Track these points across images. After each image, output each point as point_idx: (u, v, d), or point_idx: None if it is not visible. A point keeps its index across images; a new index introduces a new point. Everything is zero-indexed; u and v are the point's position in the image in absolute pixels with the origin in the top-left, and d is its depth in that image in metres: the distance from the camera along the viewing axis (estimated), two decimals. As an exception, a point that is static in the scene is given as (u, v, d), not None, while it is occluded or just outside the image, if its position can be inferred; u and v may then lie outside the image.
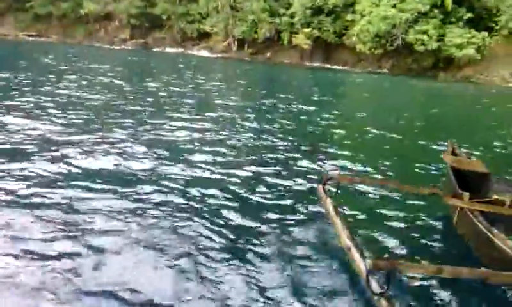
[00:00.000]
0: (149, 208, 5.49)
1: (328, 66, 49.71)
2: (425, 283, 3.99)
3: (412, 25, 44.27)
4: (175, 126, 10.65)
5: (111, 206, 5.44)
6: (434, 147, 10.58)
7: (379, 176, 7.27)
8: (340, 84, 31.07)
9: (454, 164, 5.81)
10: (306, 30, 50.90)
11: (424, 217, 5.62)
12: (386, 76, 42.01)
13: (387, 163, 8.70)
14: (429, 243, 4.92)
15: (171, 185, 6.39)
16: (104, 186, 6.10)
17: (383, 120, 15.31)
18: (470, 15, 42.93)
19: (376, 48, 46.62)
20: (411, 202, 6.04)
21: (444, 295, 3.90)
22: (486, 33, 41.95)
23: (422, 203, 5.98)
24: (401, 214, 5.58)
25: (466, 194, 4.76)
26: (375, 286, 3.25)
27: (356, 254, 3.60)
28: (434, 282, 3.99)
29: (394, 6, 44.46)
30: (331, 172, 5.88)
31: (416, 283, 3.98)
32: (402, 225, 5.28)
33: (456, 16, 43.65)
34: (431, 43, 42.99)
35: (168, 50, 56.76)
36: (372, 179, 6.16)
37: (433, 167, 8.43)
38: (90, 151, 7.83)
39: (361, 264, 3.41)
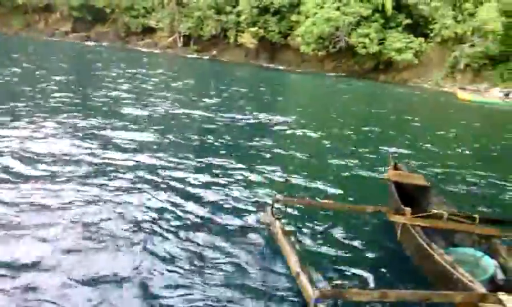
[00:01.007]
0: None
1: (273, 66, 49.51)
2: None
3: (354, 28, 44.81)
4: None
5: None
6: (373, 154, 10.42)
7: (324, 190, 7.13)
8: (283, 84, 30.83)
9: (396, 179, 5.79)
10: (252, 29, 50.49)
11: (370, 235, 5.57)
12: (329, 77, 42.26)
13: (330, 175, 8.24)
14: (375, 261, 4.87)
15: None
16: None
17: (323, 122, 15.18)
18: (408, 21, 43.93)
19: (319, 49, 46.83)
20: (356, 221, 5.91)
21: None
22: (422, 39, 43.06)
23: (368, 221, 5.88)
24: (348, 234, 5.48)
25: (408, 210, 4.79)
26: None
27: (304, 281, 3.52)
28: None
29: (338, 9, 44.80)
30: (278, 194, 5.56)
31: None
32: (349, 245, 5.22)
33: (395, 21, 44.53)
34: (372, 46, 43.66)
35: (111, 44, 54.59)
36: (317, 201, 5.87)
37: (375, 176, 8.27)
38: None
39: (310, 291, 3.33)
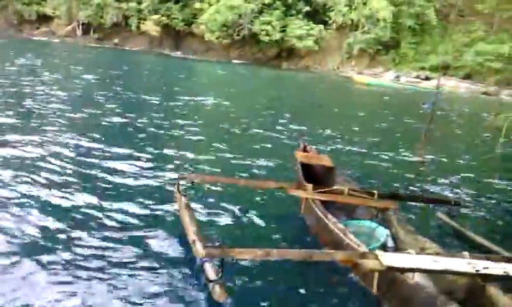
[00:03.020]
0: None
1: (178, 54, 47.69)
2: (261, 266, 4.05)
3: (257, 16, 44.25)
4: None
5: None
6: (277, 133, 10.70)
7: (232, 170, 7.18)
8: (188, 72, 29.43)
9: (303, 160, 5.94)
10: (155, 17, 48.29)
11: (275, 210, 5.70)
12: (234, 65, 41.55)
13: (239, 154, 8.30)
14: (278, 233, 4.96)
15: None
16: None
17: (231, 108, 14.76)
18: (308, 8, 44.10)
19: (223, 37, 45.93)
20: (262, 197, 6.03)
21: (274, 276, 3.98)
22: (322, 26, 43.45)
23: (273, 196, 5.99)
24: (253, 208, 5.55)
25: (310, 186, 5.00)
26: (211, 273, 3.45)
27: (198, 245, 3.53)
28: (267, 265, 4.00)
29: (240, -4, 43.93)
30: (185, 172, 5.83)
31: (252, 268, 4.04)
32: (253, 218, 5.30)
33: (296, 8, 44.58)
34: (275, 34, 43.49)
35: (2, 33, 49.45)
36: (223, 177, 6.09)
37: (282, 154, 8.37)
38: None
39: (199, 251, 3.41)
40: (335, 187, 5.14)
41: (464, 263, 3.27)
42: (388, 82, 34.58)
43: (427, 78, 35.94)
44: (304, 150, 6.62)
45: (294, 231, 5.16)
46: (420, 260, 3.28)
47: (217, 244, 3.58)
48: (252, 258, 3.50)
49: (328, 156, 6.37)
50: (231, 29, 45.45)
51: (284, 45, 44.71)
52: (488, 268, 3.21)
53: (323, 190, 5.01)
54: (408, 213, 5.68)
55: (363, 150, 9.92)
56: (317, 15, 44.28)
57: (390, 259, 3.26)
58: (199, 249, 3.43)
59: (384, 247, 4.27)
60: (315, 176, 5.87)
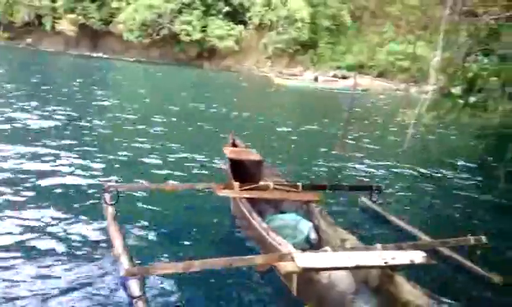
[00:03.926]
0: None
1: (96, 54, 45.34)
2: (185, 277, 3.79)
3: (177, 16, 43.06)
4: None
5: None
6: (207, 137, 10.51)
7: (159, 173, 7.07)
8: (107, 73, 27.75)
9: (232, 155, 5.89)
10: (71, 16, 45.69)
11: (206, 213, 5.54)
12: (155, 65, 39.94)
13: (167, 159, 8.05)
14: (211, 236, 4.92)
15: None
16: None
17: (152, 110, 14.12)
18: (228, 8, 43.49)
19: (143, 37, 44.41)
20: (192, 199, 5.88)
21: (197, 286, 3.91)
22: (242, 26, 43.03)
23: (207, 199, 5.79)
24: (184, 214, 5.52)
25: (237, 184, 4.93)
26: (134, 289, 3.39)
27: (123, 261, 3.65)
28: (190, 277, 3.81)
29: (160, -4, 42.47)
30: (110, 182, 5.49)
31: (176, 279, 3.89)
32: (186, 224, 5.20)
33: (215, 9, 43.92)
34: (195, 34, 42.63)
35: None
36: (149, 184, 5.82)
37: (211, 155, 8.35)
38: None
39: (120, 270, 3.49)
40: (261, 183, 5.10)
41: (376, 256, 3.41)
42: (307, 82, 34.81)
43: (343, 77, 36.61)
44: (233, 145, 6.59)
45: (227, 232, 5.18)
46: (334, 258, 3.36)
47: (136, 256, 3.68)
48: (175, 272, 3.42)
49: (255, 151, 6.35)
50: (150, 28, 44.03)
51: (205, 45, 43.90)
52: (395, 258, 3.37)
53: (249, 187, 4.97)
54: (334, 200, 6.06)
55: (287, 148, 10.06)
56: (237, 15, 43.84)
57: (305, 260, 3.29)
58: (122, 266, 3.51)
59: (307, 240, 4.44)
60: (245, 170, 5.90)
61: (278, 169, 6.46)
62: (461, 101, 7.92)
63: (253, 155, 6.07)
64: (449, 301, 3.16)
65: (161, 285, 3.86)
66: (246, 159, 6.04)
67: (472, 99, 7.70)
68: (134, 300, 3.33)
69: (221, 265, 3.40)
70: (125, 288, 3.45)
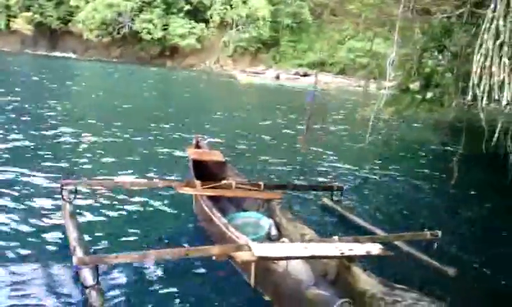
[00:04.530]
0: None
1: (55, 54, 44.00)
2: (142, 268, 3.94)
3: (138, 14, 42.26)
4: None
5: None
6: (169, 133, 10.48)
7: (122, 170, 7.03)
8: (68, 73, 26.87)
9: (195, 156, 5.92)
10: (27, 14, 44.12)
11: (166, 210, 5.55)
12: (116, 64, 39.14)
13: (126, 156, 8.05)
14: (172, 233, 4.91)
15: None
16: None
17: (114, 109, 13.92)
18: (189, 7, 42.97)
19: (103, 36, 43.37)
20: (153, 197, 5.78)
21: (154, 277, 3.90)
22: (203, 24, 42.67)
23: (168, 196, 5.78)
24: (143, 211, 5.44)
25: (198, 182, 4.95)
26: (88, 279, 3.36)
27: (77, 252, 3.64)
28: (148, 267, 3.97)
29: (119, -6, 41.54)
30: (68, 178, 5.42)
31: (132, 270, 3.90)
32: (145, 221, 5.17)
33: (176, 7, 43.31)
34: (157, 32, 41.98)
35: None
36: (108, 181, 5.88)
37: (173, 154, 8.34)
38: None
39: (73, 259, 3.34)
40: (223, 182, 5.13)
41: (332, 247, 3.48)
42: (269, 79, 34.88)
43: (305, 75, 36.83)
44: (197, 146, 6.60)
45: (187, 230, 5.15)
46: (290, 248, 3.41)
47: (92, 251, 3.66)
48: (130, 261, 3.43)
49: (219, 151, 6.40)
50: (111, 27, 42.99)
51: (167, 43, 43.30)
52: (352, 249, 3.46)
53: (211, 185, 4.99)
54: (296, 201, 6.04)
55: (252, 146, 10.08)
56: (198, 14, 43.43)
57: (262, 249, 3.31)
58: (75, 256, 3.40)
59: (268, 236, 4.49)
60: (208, 171, 5.89)
61: (242, 168, 6.48)
62: (418, 96, 8.11)
63: (216, 156, 6.09)
64: (402, 287, 3.14)
65: (118, 276, 3.82)
66: (208, 160, 6.04)
67: (429, 94, 7.90)
68: (88, 290, 3.31)
69: (177, 255, 3.37)
70: (80, 277, 3.43)
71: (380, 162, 9.43)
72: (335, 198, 5.81)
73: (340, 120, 16.45)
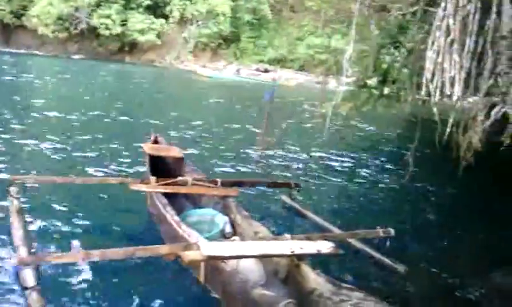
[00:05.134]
0: None
1: (8, 50, 42.04)
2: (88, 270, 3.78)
3: (95, 9, 41.08)
4: None
5: None
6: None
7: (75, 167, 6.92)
8: (20, 70, 25.74)
9: (152, 152, 5.78)
10: (-23, 8, 41.92)
11: (119, 208, 5.45)
12: (74, 60, 38.15)
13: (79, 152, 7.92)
14: (124, 231, 4.82)
15: None
16: None
17: (70, 105, 13.90)
18: (148, 2, 42.13)
19: (59, 31, 41.82)
20: (105, 194, 5.74)
21: (99, 277, 3.75)
22: (163, 20, 41.97)
23: (118, 193, 5.62)
24: (94, 209, 5.37)
25: (153, 179, 4.83)
26: (28, 280, 3.22)
27: (21, 252, 3.49)
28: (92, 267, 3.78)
29: (73, -12, 40.26)
30: (15, 175, 5.15)
31: (75, 273, 3.74)
32: (96, 219, 5.06)
33: (136, 2, 42.33)
34: (115, 28, 40.93)
35: None
36: (58, 177, 5.52)
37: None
38: None
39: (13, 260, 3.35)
40: (179, 178, 5.04)
41: (283, 246, 3.45)
42: (229, 76, 34.80)
43: (266, 71, 36.90)
44: (155, 142, 6.48)
45: (140, 229, 5.08)
46: (240, 247, 3.36)
47: (36, 250, 3.55)
48: (71, 261, 3.33)
49: (177, 147, 6.34)
50: (67, 22, 41.59)
51: (126, 39, 42.31)
52: (302, 248, 3.44)
53: (166, 182, 4.88)
54: (253, 198, 6.09)
55: (211, 143, 10.10)
56: (158, 9, 42.64)
57: (211, 249, 3.25)
58: (16, 256, 3.33)
59: (223, 233, 4.47)
60: (165, 168, 5.84)
61: (200, 166, 6.44)
62: (376, 92, 8.27)
63: (174, 152, 6.01)
64: (349, 286, 3.20)
65: (61, 276, 3.70)
66: (166, 155, 5.97)
67: (386, 90, 8.08)
68: (28, 291, 3.16)
69: (123, 255, 3.26)
70: (20, 278, 3.30)
71: (338, 158, 9.61)
72: (292, 195, 5.83)
73: (299, 116, 16.62)
